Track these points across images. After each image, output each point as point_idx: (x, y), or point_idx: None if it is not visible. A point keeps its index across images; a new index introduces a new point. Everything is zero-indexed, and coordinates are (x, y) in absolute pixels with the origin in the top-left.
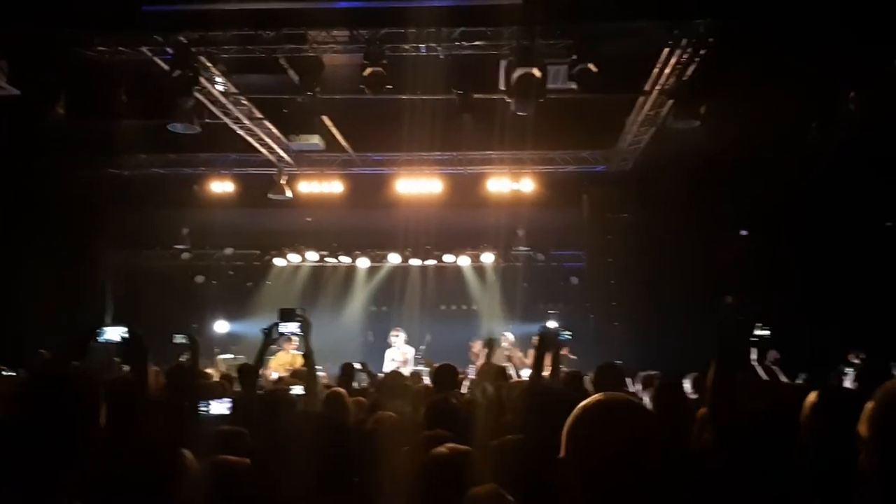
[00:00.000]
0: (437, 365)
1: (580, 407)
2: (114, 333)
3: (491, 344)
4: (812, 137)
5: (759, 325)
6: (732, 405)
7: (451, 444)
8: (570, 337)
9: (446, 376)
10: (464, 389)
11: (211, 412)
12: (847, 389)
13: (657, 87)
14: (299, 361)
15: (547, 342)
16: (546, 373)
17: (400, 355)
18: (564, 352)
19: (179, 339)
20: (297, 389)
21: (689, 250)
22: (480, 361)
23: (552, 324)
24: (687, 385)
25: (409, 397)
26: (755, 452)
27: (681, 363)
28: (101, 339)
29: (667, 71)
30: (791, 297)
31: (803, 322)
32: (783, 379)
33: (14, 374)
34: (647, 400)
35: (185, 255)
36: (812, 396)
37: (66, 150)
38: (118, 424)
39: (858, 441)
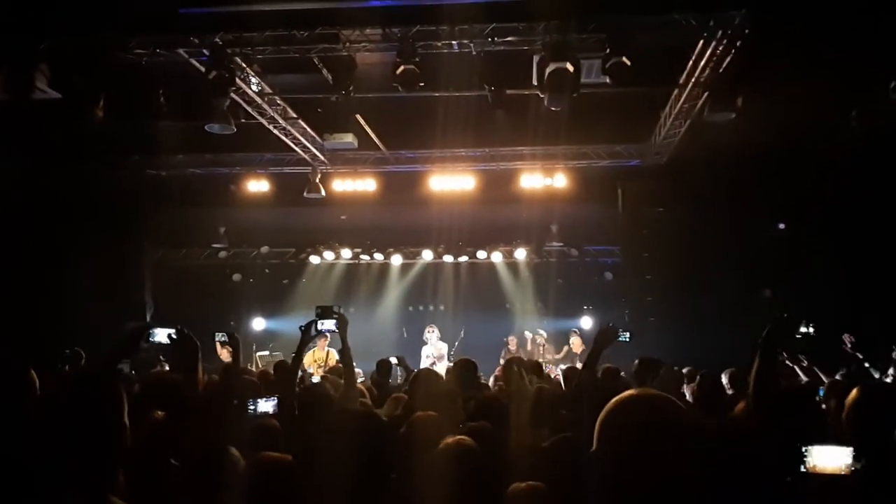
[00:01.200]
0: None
1: (614, 401)
2: (163, 335)
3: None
4: (852, 127)
5: (804, 321)
6: (775, 400)
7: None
8: (628, 339)
9: (466, 371)
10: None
11: (258, 410)
12: (890, 385)
13: (692, 80)
14: (331, 358)
15: (604, 341)
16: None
17: (435, 351)
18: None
19: (220, 337)
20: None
21: (725, 244)
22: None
23: (597, 321)
24: (724, 380)
25: (442, 394)
26: (797, 446)
27: (717, 359)
28: (151, 339)
29: (702, 63)
30: (831, 291)
31: (844, 316)
32: (823, 377)
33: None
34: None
35: (223, 254)
36: (854, 392)
37: (105, 151)
38: (169, 424)
39: None
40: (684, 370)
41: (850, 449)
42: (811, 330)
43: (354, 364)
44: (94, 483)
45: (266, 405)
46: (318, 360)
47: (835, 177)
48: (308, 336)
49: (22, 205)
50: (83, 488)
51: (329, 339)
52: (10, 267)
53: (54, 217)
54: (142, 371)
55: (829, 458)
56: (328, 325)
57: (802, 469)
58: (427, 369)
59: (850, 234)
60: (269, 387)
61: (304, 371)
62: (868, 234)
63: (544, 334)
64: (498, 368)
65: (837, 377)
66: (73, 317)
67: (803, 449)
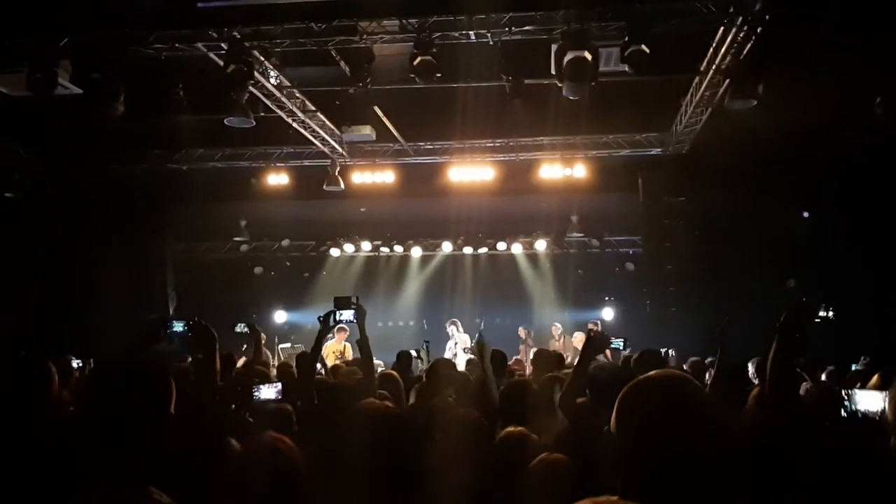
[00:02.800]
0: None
1: (632, 383)
2: (181, 325)
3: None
4: (877, 114)
5: (824, 306)
6: (792, 386)
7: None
8: (620, 346)
9: (495, 362)
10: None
11: (261, 396)
12: None
13: (713, 68)
14: (349, 350)
15: (594, 347)
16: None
17: (460, 343)
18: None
19: (240, 328)
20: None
21: (748, 233)
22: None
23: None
24: (750, 369)
25: (458, 385)
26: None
27: (740, 349)
28: (170, 330)
29: (722, 50)
30: (855, 280)
31: (869, 305)
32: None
33: (80, 363)
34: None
35: (244, 247)
36: (875, 379)
37: (126, 146)
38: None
39: (886, 426)
40: (691, 359)
41: (885, 393)
42: (831, 314)
43: (374, 355)
44: (131, 472)
45: (269, 391)
46: (335, 352)
47: (859, 164)
48: (326, 327)
49: (45, 200)
50: (120, 477)
51: (348, 332)
52: (34, 261)
53: (77, 211)
54: (166, 361)
55: (868, 402)
56: (346, 315)
57: (843, 414)
58: (445, 359)
59: (874, 223)
60: (288, 378)
61: (323, 362)
62: (893, 222)
63: (560, 327)
64: (513, 360)
65: (860, 366)
66: (96, 310)
67: (843, 393)
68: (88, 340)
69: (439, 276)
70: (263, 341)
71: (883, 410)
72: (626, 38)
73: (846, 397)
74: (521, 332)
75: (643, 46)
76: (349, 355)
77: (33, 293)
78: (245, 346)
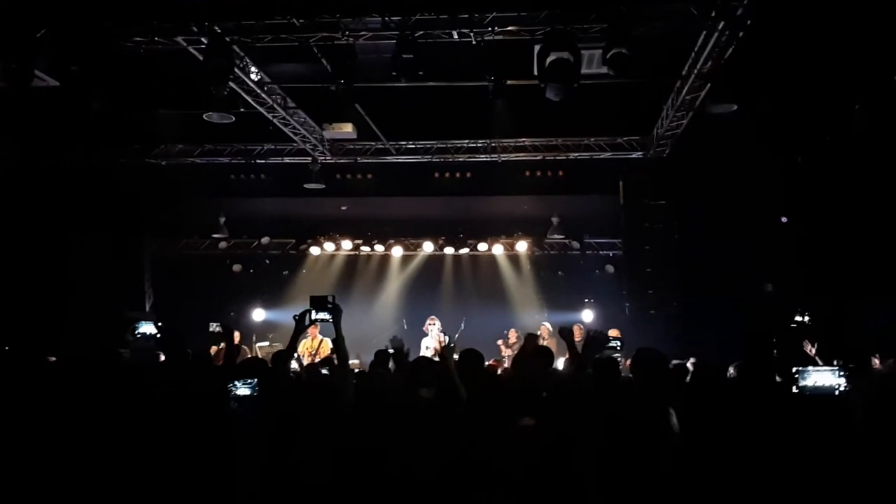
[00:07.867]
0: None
1: None
2: (149, 327)
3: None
4: (856, 121)
5: (799, 310)
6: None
7: None
8: (618, 346)
9: (471, 362)
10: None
11: (238, 393)
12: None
13: (694, 71)
14: (325, 346)
15: (594, 347)
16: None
17: (435, 343)
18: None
19: (214, 327)
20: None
21: (727, 237)
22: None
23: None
24: (730, 371)
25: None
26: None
27: (719, 352)
28: (137, 332)
29: (704, 54)
30: (834, 286)
31: (846, 310)
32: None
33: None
34: None
35: (223, 244)
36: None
37: (104, 140)
38: None
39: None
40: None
41: (838, 369)
42: (807, 319)
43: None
44: None
45: (245, 388)
46: (309, 348)
47: (838, 170)
48: (302, 325)
49: (20, 194)
50: None
51: (319, 327)
52: (8, 256)
53: (53, 206)
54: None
55: (820, 379)
56: (322, 315)
57: (795, 390)
58: (425, 357)
59: (852, 229)
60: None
61: (299, 360)
62: (871, 227)
63: (549, 327)
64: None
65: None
66: (72, 306)
67: (794, 371)
68: (64, 336)
69: (420, 275)
70: (237, 341)
71: None
72: (608, 41)
73: (797, 375)
74: (512, 335)
75: (624, 49)
76: (325, 351)
77: (8, 288)
78: (216, 345)
